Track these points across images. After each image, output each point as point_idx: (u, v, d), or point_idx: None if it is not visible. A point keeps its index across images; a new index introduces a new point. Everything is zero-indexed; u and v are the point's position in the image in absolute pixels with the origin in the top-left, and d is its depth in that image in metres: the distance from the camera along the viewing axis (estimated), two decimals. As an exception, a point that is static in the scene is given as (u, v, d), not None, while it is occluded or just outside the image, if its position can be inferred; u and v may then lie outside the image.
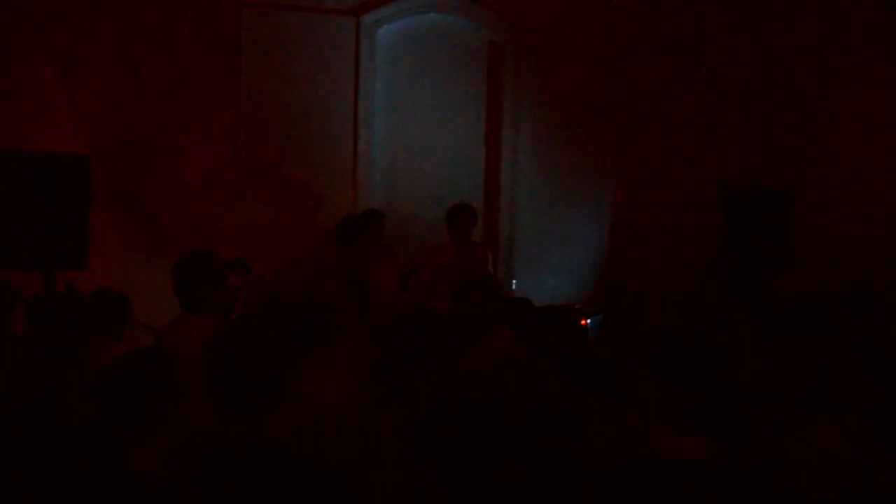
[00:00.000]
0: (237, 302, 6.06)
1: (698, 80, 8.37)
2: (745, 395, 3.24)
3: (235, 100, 7.22)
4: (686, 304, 6.63)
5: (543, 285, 8.03)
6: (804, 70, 7.92)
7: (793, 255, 6.76)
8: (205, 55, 7.09)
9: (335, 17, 7.63)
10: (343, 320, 3.66)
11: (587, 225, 8.51)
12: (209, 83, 7.12)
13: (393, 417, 2.91)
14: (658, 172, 8.40)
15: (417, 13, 7.99)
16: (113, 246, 6.50)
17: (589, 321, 6.52)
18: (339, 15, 7.65)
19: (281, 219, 7.35)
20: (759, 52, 8.20)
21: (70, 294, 4.84)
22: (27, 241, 5.16)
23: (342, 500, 1.85)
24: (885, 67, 7.44)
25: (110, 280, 5.11)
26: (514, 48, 8.22)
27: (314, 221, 7.44)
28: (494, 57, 8.24)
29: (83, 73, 6.70)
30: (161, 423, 2.49)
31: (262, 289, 5.95)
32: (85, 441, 2.37)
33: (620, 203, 8.50)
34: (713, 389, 3.01)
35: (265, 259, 6.55)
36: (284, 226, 7.33)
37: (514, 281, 8.24)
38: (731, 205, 6.88)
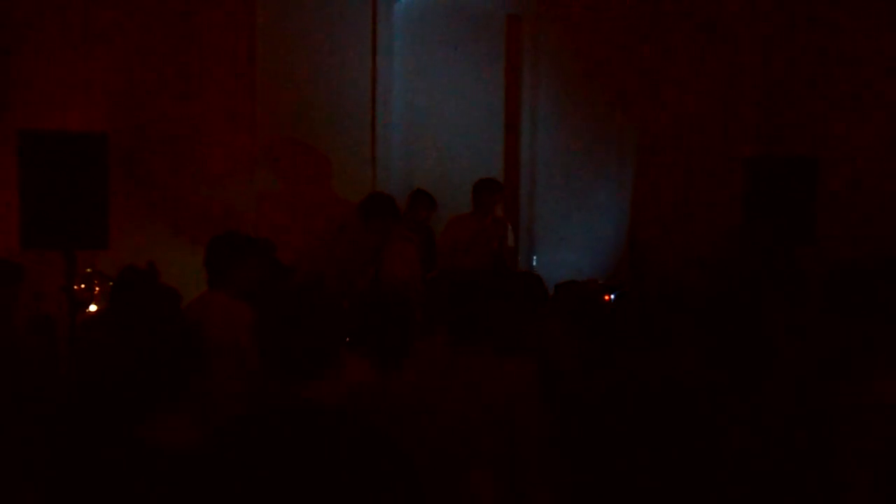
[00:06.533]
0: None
1: (719, 48, 8.24)
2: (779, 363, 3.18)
3: (252, 77, 7.15)
4: (711, 276, 6.54)
5: (565, 260, 7.97)
6: (827, 36, 7.78)
7: (818, 224, 6.66)
8: (221, 33, 7.01)
9: (351, -8, 7.54)
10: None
11: (609, 198, 8.43)
12: (226, 61, 7.05)
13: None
14: (680, 142, 8.30)
15: (434, -14, 7.90)
16: (134, 225, 6.46)
17: (612, 296, 6.44)
18: (356, -10, 7.56)
19: (300, 196, 7.30)
20: (781, 17, 8.06)
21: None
22: (48, 220, 5.15)
23: (405, 468, 1.76)
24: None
25: (132, 259, 5.08)
26: (531, 20, 8.13)
27: (334, 199, 7.38)
28: (512, 30, 8.16)
29: (99, 52, 6.64)
30: (184, 398, 2.44)
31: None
32: (101, 413, 2.33)
33: (642, 174, 8.41)
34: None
35: (284, 238, 6.52)
36: (303, 204, 7.28)
37: (535, 256, 8.18)
38: (756, 174, 6.77)
